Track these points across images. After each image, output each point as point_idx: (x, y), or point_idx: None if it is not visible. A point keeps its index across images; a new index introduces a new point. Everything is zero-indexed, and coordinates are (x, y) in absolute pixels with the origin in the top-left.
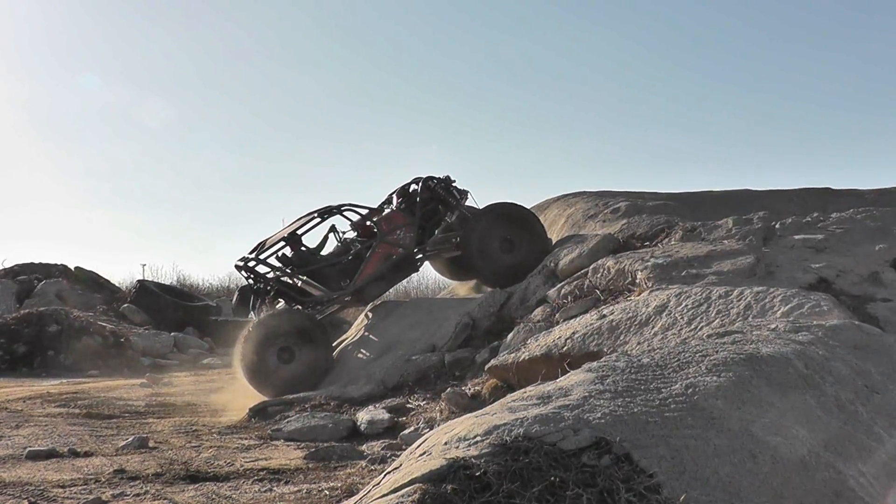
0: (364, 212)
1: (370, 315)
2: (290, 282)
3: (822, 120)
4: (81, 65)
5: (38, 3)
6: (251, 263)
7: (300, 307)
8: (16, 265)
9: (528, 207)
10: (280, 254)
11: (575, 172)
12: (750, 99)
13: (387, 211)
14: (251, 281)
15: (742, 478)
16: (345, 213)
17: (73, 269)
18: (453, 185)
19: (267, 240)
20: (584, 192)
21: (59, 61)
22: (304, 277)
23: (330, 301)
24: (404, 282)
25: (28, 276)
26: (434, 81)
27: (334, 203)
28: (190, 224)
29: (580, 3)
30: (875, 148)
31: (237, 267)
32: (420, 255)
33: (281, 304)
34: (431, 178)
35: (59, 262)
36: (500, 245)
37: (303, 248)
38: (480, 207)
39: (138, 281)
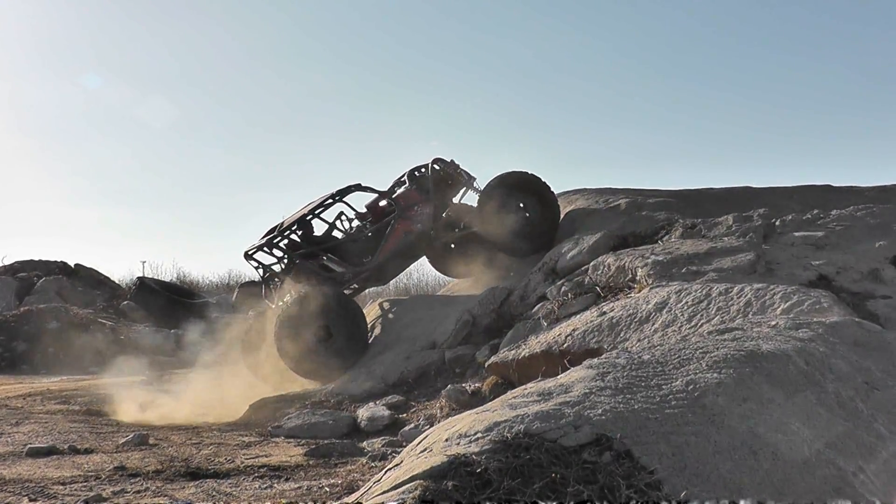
0: (375, 195)
1: (370, 312)
2: (309, 262)
3: (823, 118)
4: (83, 64)
5: (40, 3)
6: (274, 241)
7: (324, 287)
8: (16, 262)
9: None
10: (293, 237)
11: (575, 169)
12: (750, 97)
13: (400, 190)
14: (260, 272)
15: (743, 474)
16: (347, 202)
17: (73, 266)
18: (460, 169)
19: (283, 222)
20: (585, 189)
21: (61, 60)
22: (328, 255)
23: (353, 278)
24: (404, 278)
25: (28, 274)
26: (434, 78)
27: (345, 186)
28: (190, 221)
29: (581, 1)
30: (875, 145)
31: (247, 255)
32: (435, 233)
33: (299, 287)
34: (439, 159)
35: (59, 260)
36: (516, 213)
37: (314, 234)
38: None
39: (138, 278)
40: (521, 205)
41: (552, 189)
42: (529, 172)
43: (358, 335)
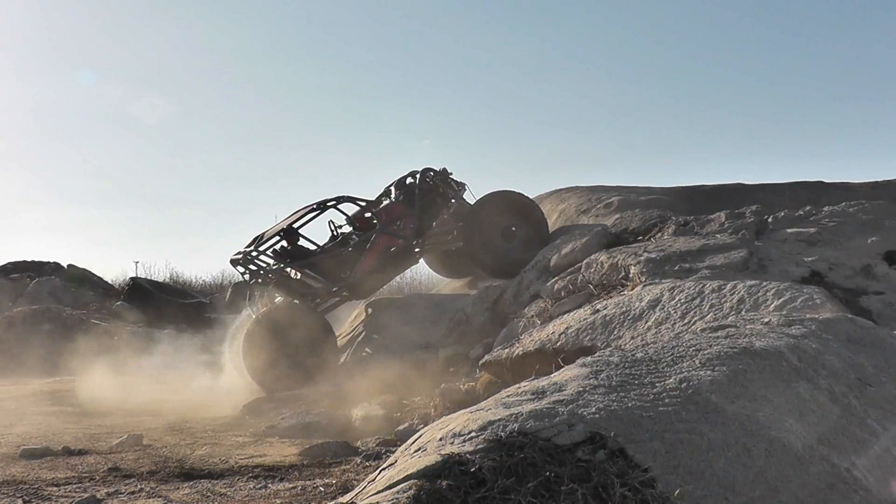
0: (362, 204)
1: (364, 312)
2: (290, 274)
3: (815, 114)
4: (78, 61)
5: (34, 1)
6: (251, 256)
7: (299, 301)
8: (8, 263)
9: None
10: (279, 246)
11: (567, 167)
12: (742, 93)
13: (385, 203)
14: (246, 277)
15: (737, 471)
16: (339, 208)
17: (65, 266)
18: (451, 177)
19: (265, 233)
20: (577, 187)
21: (56, 58)
22: (305, 270)
23: (330, 294)
24: (398, 278)
25: (21, 275)
26: (426, 77)
27: (331, 197)
28: (183, 221)
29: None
30: (867, 141)
31: (233, 262)
32: (419, 248)
33: (279, 298)
34: (429, 169)
35: (51, 260)
36: (502, 234)
37: (300, 244)
38: (475, 200)
39: (131, 278)
40: (508, 226)
41: (539, 208)
42: (516, 192)
43: (322, 352)
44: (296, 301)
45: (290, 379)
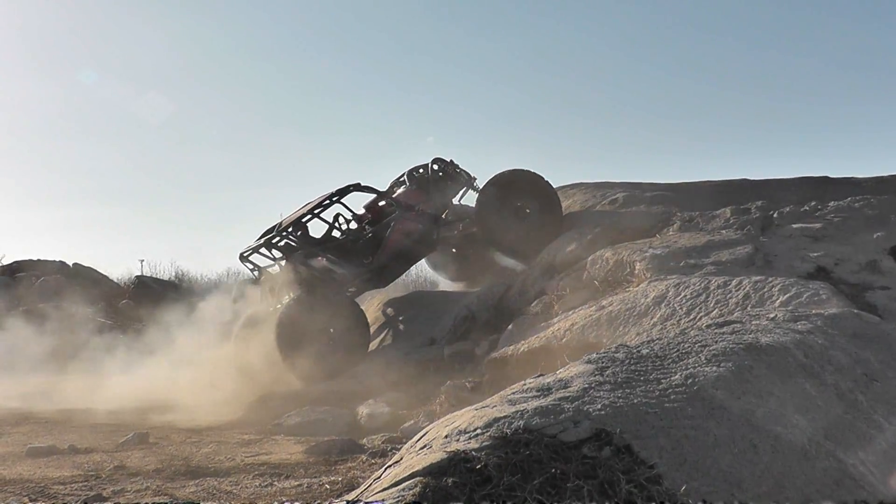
0: (374, 195)
1: (369, 310)
2: (310, 263)
3: (820, 109)
4: (79, 60)
5: (35, 1)
6: (273, 242)
7: (322, 288)
8: (14, 262)
9: None
10: (293, 236)
11: (572, 164)
12: (747, 89)
13: (400, 190)
14: (255, 273)
15: (743, 468)
16: (344, 203)
17: (71, 265)
18: (459, 169)
19: (280, 223)
20: (582, 184)
21: (57, 57)
22: (328, 255)
23: (351, 281)
24: (403, 275)
25: (26, 273)
26: (429, 74)
27: (344, 185)
28: (188, 219)
29: None
30: (872, 137)
31: (242, 257)
32: (436, 235)
33: (298, 288)
34: (439, 159)
35: (57, 259)
36: (516, 212)
37: (310, 234)
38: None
39: (136, 277)
40: (520, 204)
41: (551, 185)
42: (526, 169)
43: (359, 340)
44: (320, 289)
45: (330, 366)
